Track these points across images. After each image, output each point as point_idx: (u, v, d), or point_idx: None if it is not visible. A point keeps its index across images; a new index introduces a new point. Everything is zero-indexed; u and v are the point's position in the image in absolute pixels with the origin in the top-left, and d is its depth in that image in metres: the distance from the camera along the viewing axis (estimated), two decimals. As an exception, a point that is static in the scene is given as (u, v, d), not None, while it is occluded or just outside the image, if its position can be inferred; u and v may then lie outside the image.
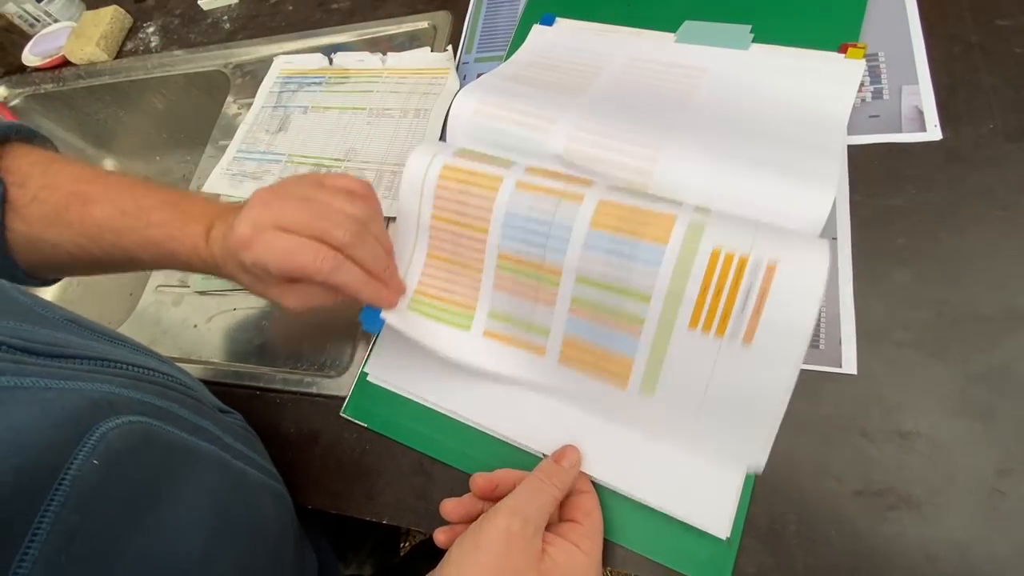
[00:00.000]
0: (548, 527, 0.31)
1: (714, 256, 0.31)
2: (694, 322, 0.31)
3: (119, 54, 0.72)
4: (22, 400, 0.22)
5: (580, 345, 0.35)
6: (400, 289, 0.38)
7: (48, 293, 0.76)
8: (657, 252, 0.32)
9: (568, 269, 0.34)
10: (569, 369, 0.35)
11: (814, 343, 0.35)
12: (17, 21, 0.76)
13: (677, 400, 0.33)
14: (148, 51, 0.71)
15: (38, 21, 0.76)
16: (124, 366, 0.29)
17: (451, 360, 0.37)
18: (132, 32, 0.74)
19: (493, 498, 0.33)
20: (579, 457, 0.34)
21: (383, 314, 0.37)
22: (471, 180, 0.37)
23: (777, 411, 0.31)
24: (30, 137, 0.39)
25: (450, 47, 0.54)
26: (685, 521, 0.32)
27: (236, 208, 0.35)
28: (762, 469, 0.32)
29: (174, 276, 0.55)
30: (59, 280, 0.43)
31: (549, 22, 0.50)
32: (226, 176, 0.56)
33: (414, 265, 0.40)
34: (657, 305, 0.32)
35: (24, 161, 0.37)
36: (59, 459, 0.21)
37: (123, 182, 0.38)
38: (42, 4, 0.74)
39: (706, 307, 0.31)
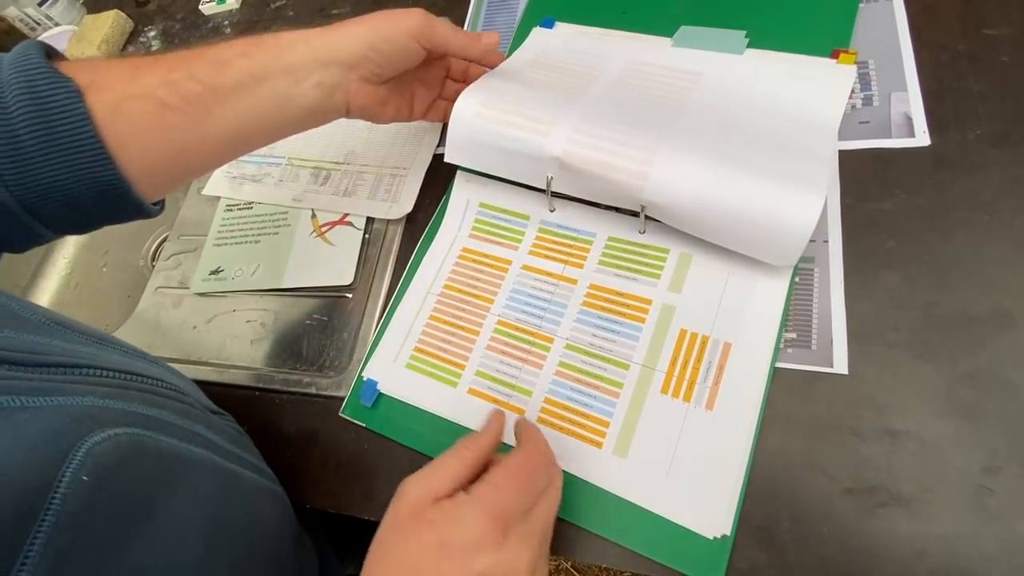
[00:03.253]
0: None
1: (681, 334, 0.38)
2: (665, 388, 0.36)
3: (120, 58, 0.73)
4: None
5: (560, 404, 0.38)
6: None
7: (44, 297, 0.76)
8: (636, 329, 0.39)
9: (559, 337, 0.40)
10: (546, 428, 0.37)
11: (806, 343, 0.36)
12: (18, 24, 0.76)
13: (648, 462, 0.35)
14: (149, 55, 0.71)
15: (39, 25, 0.77)
16: (110, 373, 0.28)
17: (436, 414, 0.40)
18: (133, 36, 0.74)
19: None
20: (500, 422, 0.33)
21: (379, 385, 0.41)
22: (485, 262, 0.44)
23: (736, 478, 0.33)
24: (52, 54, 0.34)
25: (449, 53, 0.54)
26: (680, 524, 0.33)
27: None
28: (728, 534, 0.32)
29: (173, 278, 0.55)
30: (162, 207, 0.38)
31: (549, 25, 0.51)
32: (226, 178, 0.57)
33: (417, 324, 0.43)
34: (635, 372, 0.37)
35: (64, 67, 0.31)
36: (45, 479, 0.21)
37: (188, 54, 0.35)
38: (43, 8, 0.75)
39: (675, 376, 0.37)
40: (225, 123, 0.35)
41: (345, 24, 0.38)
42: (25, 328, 0.27)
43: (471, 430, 0.39)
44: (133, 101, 0.32)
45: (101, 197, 0.32)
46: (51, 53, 0.32)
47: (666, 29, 0.47)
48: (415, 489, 0.28)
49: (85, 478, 0.22)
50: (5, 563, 0.19)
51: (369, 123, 0.54)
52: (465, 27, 0.56)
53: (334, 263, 0.49)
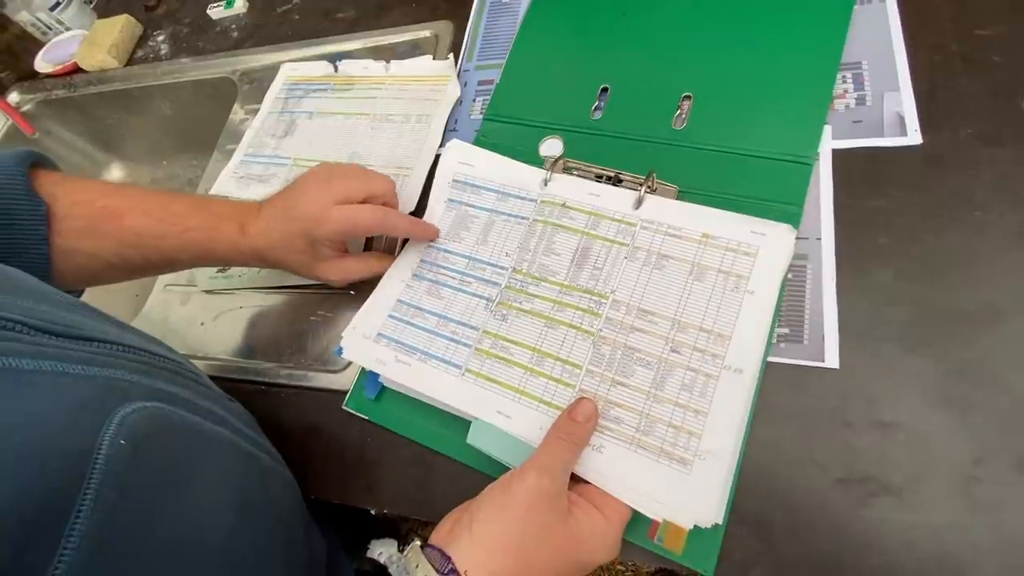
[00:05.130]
0: (573, 488, 0.32)
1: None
2: None
3: (129, 61, 0.74)
4: (39, 384, 0.23)
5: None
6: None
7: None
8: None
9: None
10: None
11: (798, 338, 0.36)
12: (30, 29, 0.78)
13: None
14: (158, 58, 0.73)
15: (50, 29, 0.78)
16: (137, 351, 0.30)
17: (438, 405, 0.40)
18: (142, 40, 0.76)
19: None
20: (593, 409, 0.34)
21: (380, 378, 0.42)
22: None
23: (728, 469, 0.33)
24: (43, 162, 0.42)
25: (451, 55, 0.55)
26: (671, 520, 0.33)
27: (256, 206, 0.43)
28: (720, 523, 0.32)
29: (182, 276, 0.56)
30: (81, 295, 0.46)
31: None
32: (233, 179, 0.58)
33: None
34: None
35: (46, 181, 0.40)
36: (84, 442, 0.22)
37: (146, 193, 0.43)
38: (55, 12, 0.76)
39: None
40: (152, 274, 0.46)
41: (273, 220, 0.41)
42: (59, 306, 0.29)
43: (470, 421, 0.39)
44: (85, 256, 0.40)
45: None
46: (36, 161, 0.40)
47: (664, 34, 0.48)
48: None
49: (123, 442, 0.23)
50: (61, 514, 0.20)
51: (373, 124, 0.56)
52: (466, 35, 0.57)
53: (338, 261, 0.49)
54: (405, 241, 0.47)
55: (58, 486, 0.21)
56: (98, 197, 0.41)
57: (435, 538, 0.30)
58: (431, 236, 0.45)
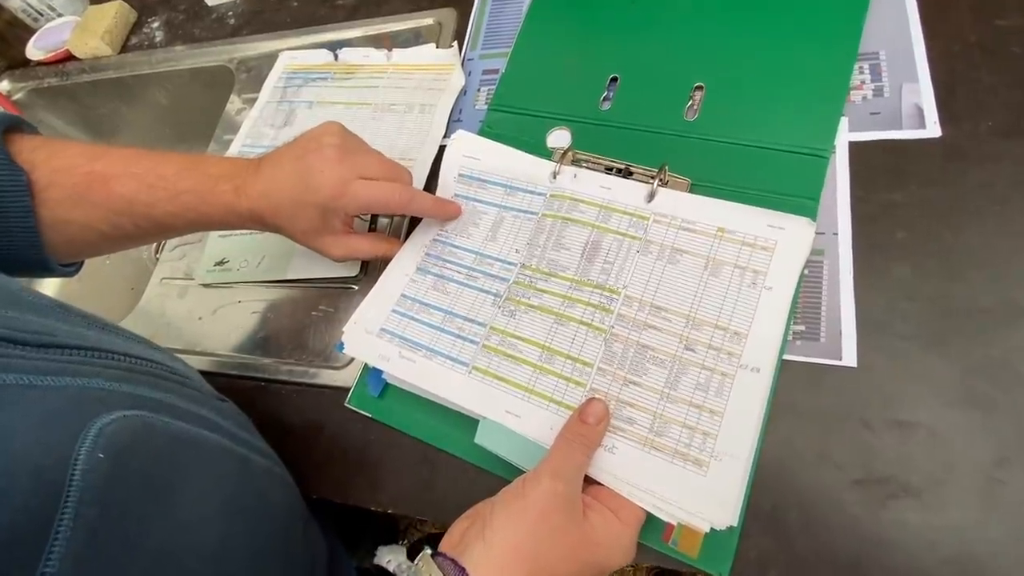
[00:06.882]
0: (587, 491, 0.32)
1: None
2: None
3: (123, 49, 0.73)
4: (2, 399, 0.22)
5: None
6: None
7: (47, 291, 0.76)
8: None
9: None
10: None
11: (814, 336, 0.35)
12: (21, 15, 0.76)
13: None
14: (152, 46, 0.71)
15: (42, 15, 0.76)
16: (116, 356, 0.28)
17: (444, 399, 0.38)
18: (136, 27, 0.74)
19: None
20: (604, 410, 0.33)
21: (384, 375, 0.41)
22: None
23: (744, 469, 0.32)
24: (19, 126, 0.38)
25: (455, 43, 0.54)
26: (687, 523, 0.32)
27: (253, 163, 0.40)
28: (735, 525, 0.31)
29: (179, 269, 0.55)
30: (81, 267, 0.43)
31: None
32: (231, 170, 0.57)
33: None
34: None
35: (24, 147, 0.37)
36: (60, 456, 0.21)
37: (135, 155, 0.39)
38: (46, -2, 0.75)
39: None
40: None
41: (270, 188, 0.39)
42: (30, 310, 0.27)
43: (476, 419, 0.38)
44: (76, 227, 0.38)
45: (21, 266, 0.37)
46: (12, 125, 0.37)
47: (673, 23, 0.47)
48: None
49: (101, 455, 0.21)
50: (37, 536, 0.19)
51: (374, 114, 0.55)
52: (470, 23, 0.56)
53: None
54: (411, 229, 0.46)
55: (30, 507, 0.19)
56: (82, 162, 0.37)
57: (445, 546, 0.29)
58: (455, 214, 0.44)
